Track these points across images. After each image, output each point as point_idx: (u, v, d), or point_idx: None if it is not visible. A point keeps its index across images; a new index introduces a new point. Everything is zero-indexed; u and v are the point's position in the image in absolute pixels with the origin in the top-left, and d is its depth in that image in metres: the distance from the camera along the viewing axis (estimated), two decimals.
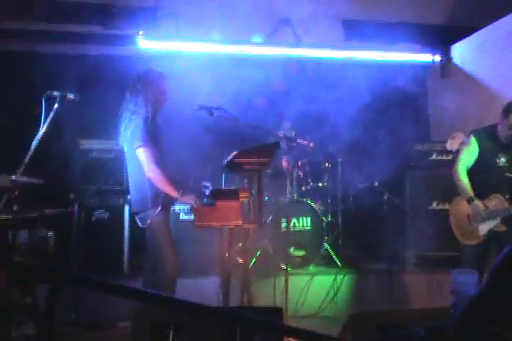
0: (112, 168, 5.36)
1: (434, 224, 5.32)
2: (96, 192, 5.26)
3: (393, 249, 5.01)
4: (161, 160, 4.02)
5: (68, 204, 5.14)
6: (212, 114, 4.45)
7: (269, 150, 4.41)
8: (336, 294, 4.97)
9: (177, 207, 5.15)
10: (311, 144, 5.03)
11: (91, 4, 6.35)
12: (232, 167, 4.54)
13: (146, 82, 4.08)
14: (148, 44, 6.31)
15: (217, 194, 4.18)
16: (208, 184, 4.39)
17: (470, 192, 4.13)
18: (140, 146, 3.93)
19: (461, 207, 4.26)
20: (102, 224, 5.21)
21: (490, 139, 4.19)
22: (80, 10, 6.28)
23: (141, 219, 4.13)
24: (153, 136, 4.03)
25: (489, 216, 4.05)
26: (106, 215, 5.23)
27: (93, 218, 5.20)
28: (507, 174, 4.09)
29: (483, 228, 4.09)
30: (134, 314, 3.25)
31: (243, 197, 4.17)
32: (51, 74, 5.85)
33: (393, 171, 5.73)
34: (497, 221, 4.03)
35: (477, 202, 4.08)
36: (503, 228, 4.03)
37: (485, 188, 4.12)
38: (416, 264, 5.48)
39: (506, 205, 3.98)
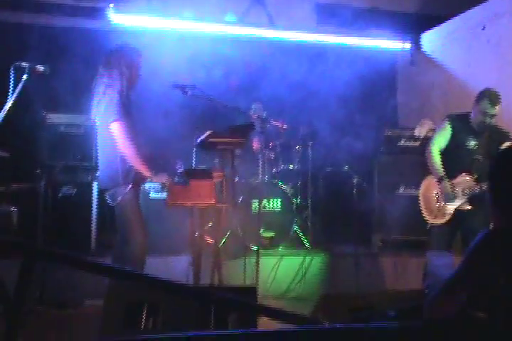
0: (81, 144, 5.23)
1: (400, 208, 5.40)
2: (63, 168, 5.12)
3: (361, 232, 5.08)
4: (134, 136, 3.96)
5: (34, 179, 5.00)
6: (186, 93, 4.39)
7: (243, 130, 4.41)
8: (304, 275, 5.02)
9: (147, 185, 5.08)
10: (284, 126, 5.03)
11: None
12: (205, 146, 4.51)
13: (120, 56, 3.97)
14: (118, 18, 6.15)
15: (191, 173, 4.16)
16: (181, 162, 4.36)
17: (441, 171, 4.30)
18: (114, 120, 3.82)
19: (431, 187, 4.46)
20: (69, 201, 5.08)
21: (463, 124, 4.37)
22: None
23: (111, 196, 4.05)
24: (127, 111, 3.94)
25: (457, 194, 4.22)
26: (73, 192, 5.11)
27: (60, 194, 5.08)
28: (476, 156, 4.26)
29: (451, 206, 4.25)
30: (108, 292, 3.22)
31: (216, 176, 4.17)
32: (17, 44, 5.67)
33: (362, 156, 5.80)
34: (464, 200, 4.19)
35: (446, 182, 4.25)
36: (468, 207, 4.19)
37: (455, 169, 4.30)
38: (382, 247, 5.57)
39: (474, 184, 4.15)
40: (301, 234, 5.48)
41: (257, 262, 4.46)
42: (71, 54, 5.93)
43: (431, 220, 4.43)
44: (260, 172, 5.50)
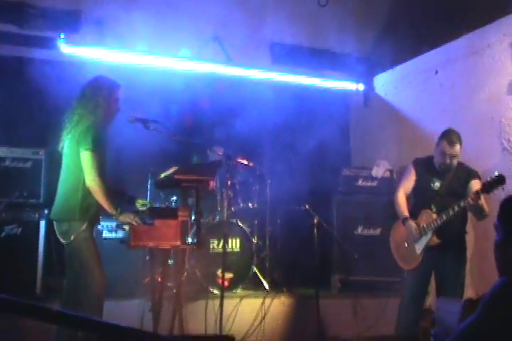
0: (28, 179, 4.90)
1: (359, 248, 5.35)
2: (7, 205, 4.75)
3: (320, 273, 4.94)
4: (102, 170, 3.75)
5: None
6: (148, 127, 4.22)
7: (211, 168, 4.27)
8: (264, 318, 4.83)
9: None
10: (251, 163, 4.91)
11: (4, 1, 5.88)
12: (167, 183, 4.30)
13: (96, 88, 3.89)
14: (70, 49, 5.91)
15: (156, 212, 3.94)
16: (146, 201, 4.15)
17: (405, 213, 4.40)
18: (86, 150, 3.67)
19: (399, 232, 4.50)
20: (13, 241, 4.70)
21: (427, 167, 4.47)
22: None
23: (64, 234, 3.77)
24: (101, 144, 3.79)
25: (422, 232, 4.24)
26: (18, 231, 4.74)
27: (3, 234, 4.69)
28: (435, 189, 4.34)
29: (419, 246, 4.27)
30: None
31: (182, 215, 3.96)
32: None
33: (320, 195, 5.75)
34: (430, 235, 4.20)
35: (410, 222, 4.31)
36: (436, 241, 4.19)
37: (419, 209, 4.39)
38: (341, 288, 5.46)
39: (435, 217, 4.19)
40: (260, 275, 5.30)
41: (221, 306, 4.23)
42: (17, 84, 5.63)
43: (404, 266, 4.46)
44: (219, 210, 5.32)
